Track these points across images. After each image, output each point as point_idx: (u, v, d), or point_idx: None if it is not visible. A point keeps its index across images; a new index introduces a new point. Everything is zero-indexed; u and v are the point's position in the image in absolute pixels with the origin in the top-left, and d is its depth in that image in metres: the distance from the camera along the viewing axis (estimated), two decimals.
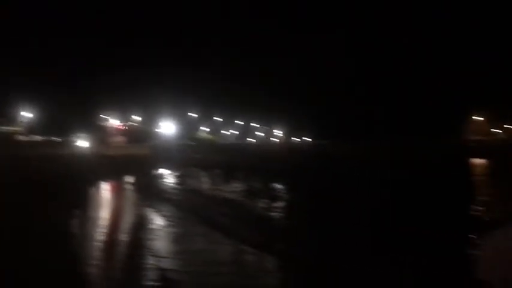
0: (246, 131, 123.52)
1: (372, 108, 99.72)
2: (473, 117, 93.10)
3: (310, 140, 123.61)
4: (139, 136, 72.18)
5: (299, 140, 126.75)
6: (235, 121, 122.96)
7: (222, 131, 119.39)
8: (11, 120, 73.29)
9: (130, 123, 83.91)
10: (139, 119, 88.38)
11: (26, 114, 71.35)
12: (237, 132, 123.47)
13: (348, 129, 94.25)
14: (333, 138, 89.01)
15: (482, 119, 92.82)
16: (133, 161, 45.75)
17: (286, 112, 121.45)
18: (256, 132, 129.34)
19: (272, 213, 13.91)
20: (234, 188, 24.07)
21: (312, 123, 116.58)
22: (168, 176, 34.79)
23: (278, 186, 25.12)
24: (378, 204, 15.57)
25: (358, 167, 41.95)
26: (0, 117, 74.05)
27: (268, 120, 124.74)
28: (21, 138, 64.99)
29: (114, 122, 79.37)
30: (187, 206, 16.79)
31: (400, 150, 63.96)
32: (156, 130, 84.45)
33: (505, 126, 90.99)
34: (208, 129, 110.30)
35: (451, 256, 8.51)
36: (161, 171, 40.68)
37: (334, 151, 68.52)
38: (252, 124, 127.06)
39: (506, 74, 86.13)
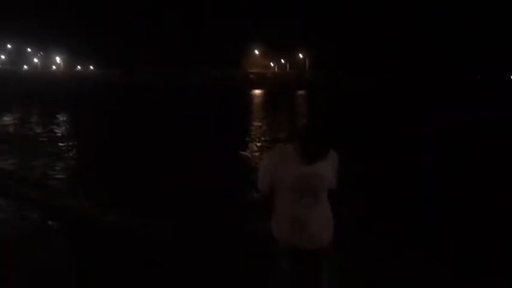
0: (19, 56, 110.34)
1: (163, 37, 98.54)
2: (253, 51, 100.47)
3: (96, 68, 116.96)
4: None
5: (84, 68, 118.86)
6: (4, 45, 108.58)
7: None
8: None
9: None
10: None
11: None
12: (5, 57, 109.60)
13: (136, 57, 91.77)
14: (123, 67, 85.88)
15: (257, 52, 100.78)
16: None
17: (67, 37, 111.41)
18: (31, 59, 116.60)
19: (52, 158, 12.60)
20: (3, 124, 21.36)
21: (98, 52, 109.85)
22: None
23: (57, 121, 23.17)
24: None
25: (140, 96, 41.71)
26: None
27: (45, 45, 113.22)
28: None
29: None
30: None
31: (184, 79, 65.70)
32: None
33: (282, 60, 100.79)
34: None
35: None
36: None
37: (120, 81, 66.43)
38: (25, 49, 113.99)
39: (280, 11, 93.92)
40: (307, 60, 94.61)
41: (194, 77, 69.43)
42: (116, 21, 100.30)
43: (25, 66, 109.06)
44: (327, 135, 2.71)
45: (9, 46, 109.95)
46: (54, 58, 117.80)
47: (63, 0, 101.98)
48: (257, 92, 57.66)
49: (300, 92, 52.98)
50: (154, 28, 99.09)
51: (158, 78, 68.44)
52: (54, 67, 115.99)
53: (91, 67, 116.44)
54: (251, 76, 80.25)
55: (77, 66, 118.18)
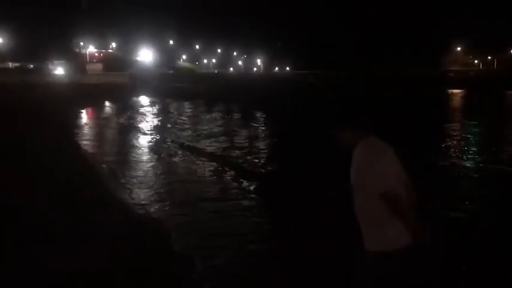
0: (226, 59, 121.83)
1: (356, 37, 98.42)
2: (454, 48, 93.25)
3: (293, 70, 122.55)
4: (117, 64, 70.55)
5: (281, 70, 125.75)
6: (215, 49, 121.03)
7: (201, 60, 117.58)
8: None
9: (107, 50, 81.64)
10: (116, 46, 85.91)
11: None
12: (216, 61, 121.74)
13: (331, 59, 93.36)
14: (316, 68, 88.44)
15: (459, 49, 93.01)
16: (110, 89, 45.12)
17: (268, 41, 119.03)
18: (236, 62, 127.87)
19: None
20: (215, 119, 24.08)
21: (295, 53, 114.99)
22: (145, 105, 34.59)
23: (261, 117, 25.14)
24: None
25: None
26: None
27: (249, 49, 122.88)
28: None
29: (90, 48, 77.18)
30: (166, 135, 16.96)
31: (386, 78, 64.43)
32: (134, 57, 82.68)
33: (488, 57, 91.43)
34: (186, 58, 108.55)
35: None
36: (139, 99, 40.37)
37: (316, 81, 68.55)
38: (232, 53, 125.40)
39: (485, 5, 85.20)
40: None
41: (392, 76, 67.66)
42: (311, 24, 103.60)
43: (231, 68, 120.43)
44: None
45: (219, 51, 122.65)
46: (256, 61, 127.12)
47: (264, 10, 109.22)
48: (457, 91, 53.45)
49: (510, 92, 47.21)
50: (349, 28, 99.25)
51: (353, 77, 68.52)
52: (255, 69, 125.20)
53: (287, 68, 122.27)
54: (451, 74, 74.66)
55: (275, 68, 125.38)
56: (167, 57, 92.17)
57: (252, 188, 8.61)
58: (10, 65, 65.03)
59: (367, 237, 2.67)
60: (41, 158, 10.48)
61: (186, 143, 14.29)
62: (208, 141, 14.89)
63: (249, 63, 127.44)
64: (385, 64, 78.89)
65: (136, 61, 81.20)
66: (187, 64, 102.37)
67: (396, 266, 2.56)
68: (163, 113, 27.35)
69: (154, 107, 32.03)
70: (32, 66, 63.98)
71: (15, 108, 23.67)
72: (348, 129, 2.68)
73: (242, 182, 9.03)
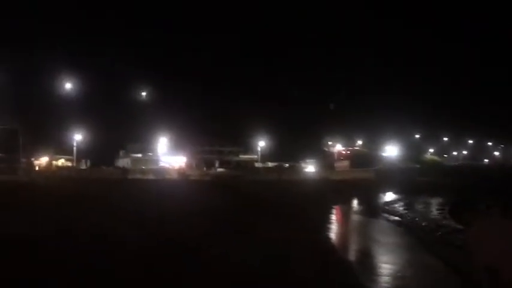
0: (478, 150, 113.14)
1: None
2: None
3: None
4: (363, 160, 72.98)
5: None
6: (466, 141, 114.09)
7: (449, 152, 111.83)
8: (248, 148, 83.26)
9: (353, 147, 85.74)
10: (362, 143, 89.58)
11: (260, 143, 79.82)
12: (466, 152, 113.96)
13: None
14: None
15: None
16: (357, 185, 46.56)
17: None
18: (491, 152, 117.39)
19: None
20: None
21: None
22: (392, 201, 34.48)
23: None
24: None
25: None
26: (239, 147, 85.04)
27: (507, 137, 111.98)
28: (258, 165, 73.16)
29: (338, 147, 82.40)
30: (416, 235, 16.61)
31: None
32: (380, 153, 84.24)
33: None
34: (433, 151, 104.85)
35: None
36: (385, 196, 40.47)
37: None
38: (486, 143, 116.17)
39: None
40: None
41: None
42: None
43: (485, 160, 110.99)
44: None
45: (470, 141, 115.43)
46: None
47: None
48: None
49: None
50: None
51: None
52: None
53: None
54: None
55: None
56: (413, 151, 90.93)
57: None
58: (270, 164, 74.12)
59: None
60: (292, 253, 11.36)
61: (438, 249, 13.51)
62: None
63: (508, 153, 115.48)
64: None
65: (382, 157, 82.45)
66: (433, 157, 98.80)
67: None
68: (410, 211, 26.80)
69: (401, 204, 31.63)
70: (287, 165, 71.58)
71: (268, 202, 26.88)
72: (463, 211, 3.59)
73: None
